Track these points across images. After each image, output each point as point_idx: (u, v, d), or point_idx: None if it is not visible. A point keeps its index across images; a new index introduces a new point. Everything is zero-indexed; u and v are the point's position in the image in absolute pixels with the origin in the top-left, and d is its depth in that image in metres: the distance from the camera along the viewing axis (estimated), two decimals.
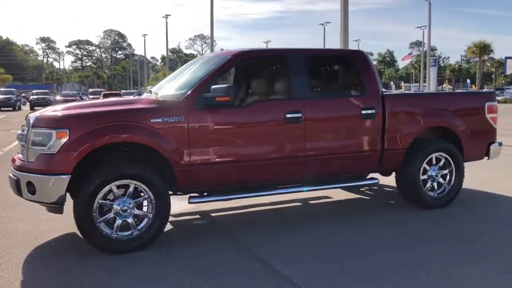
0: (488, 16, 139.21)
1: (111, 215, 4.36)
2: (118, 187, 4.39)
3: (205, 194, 4.96)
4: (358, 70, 5.49)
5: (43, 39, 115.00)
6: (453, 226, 5.15)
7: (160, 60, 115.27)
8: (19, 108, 36.95)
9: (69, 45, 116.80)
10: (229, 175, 4.81)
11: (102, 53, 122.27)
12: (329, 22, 59.85)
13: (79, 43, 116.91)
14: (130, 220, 4.41)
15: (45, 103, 32.80)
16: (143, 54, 74.08)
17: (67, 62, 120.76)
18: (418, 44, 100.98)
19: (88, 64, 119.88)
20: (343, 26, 16.76)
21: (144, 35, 63.83)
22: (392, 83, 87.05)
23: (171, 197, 4.96)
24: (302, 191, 5.32)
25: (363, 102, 5.37)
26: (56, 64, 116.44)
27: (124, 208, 4.37)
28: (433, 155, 5.78)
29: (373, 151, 5.42)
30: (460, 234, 4.86)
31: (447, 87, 56.60)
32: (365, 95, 5.41)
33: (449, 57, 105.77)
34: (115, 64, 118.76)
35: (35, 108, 30.33)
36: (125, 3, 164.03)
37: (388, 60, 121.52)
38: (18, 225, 5.26)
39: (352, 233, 4.94)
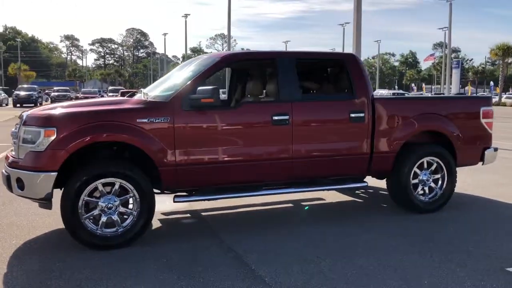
0: None
1: (97, 212, 4.49)
2: (105, 185, 4.52)
3: (193, 193, 5.05)
4: (348, 73, 5.51)
5: (67, 37, 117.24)
6: (437, 231, 5.13)
7: (181, 59, 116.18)
8: (41, 104, 37.70)
9: (92, 43, 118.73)
10: (214, 176, 4.90)
11: (124, 52, 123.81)
12: (348, 23, 59.28)
13: (102, 41, 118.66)
14: (115, 217, 4.54)
15: (65, 100, 33.54)
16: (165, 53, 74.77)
17: (90, 60, 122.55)
18: (441, 45, 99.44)
19: (110, 62, 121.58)
20: (356, 26, 16.70)
21: (164, 34, 64.57)
22: (413, 85, 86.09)
23: (163, 195, 5.10)
24: (288, 192, 5.38)
25: (352, 105, 5.39)
26: (79, 62, 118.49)
27: (109, 206, 4.50)
28: (424, 160, 5.77)
29: (362, 154, 5.44)
30: (443, 240, 4.84)
31: (469, 90, 55.69)
32: (355, 98, 5.43)
33: (472, 59, 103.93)
34: (137, 63, 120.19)
35: None
36: (149, 2, 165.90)
37: (411, 61, 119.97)
38: (14, 219, 5.44)
39: (335, 235, 4.97)
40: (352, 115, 5.34)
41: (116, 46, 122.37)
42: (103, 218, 4.50)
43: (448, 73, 43.63)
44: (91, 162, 4.55)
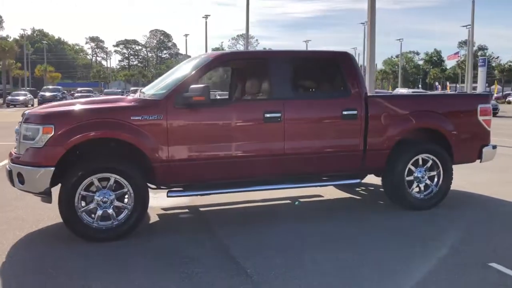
0: None
1: (92, 205, 4.69)
2: (102, 180, 4.72)
3: (185, 188, 5.20)
4: (342, 72, 5.59)
5: (92, 39, 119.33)
6: (428, 228, 5.18)
7: None
8: None
9: (117, 45, 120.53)
10: (208, 171, 5.05)
11: (148, 53, 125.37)
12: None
13: (126, 43, 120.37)
14: (110, 211, 4.73)
15: None
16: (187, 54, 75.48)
17: (115, 61, 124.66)
18: (466, 43, 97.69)
19: (134, 63, 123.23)
20: (370, 25, 16.67)
21: (186, 35, 65.52)
22: (437, 83, 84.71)
23: (161, 191, 5.28)
24: (281, 188, 5.50)
25: (345, 103, 5.47)
26: (104, 63, 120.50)
27: (104, 200, 4.70)
28: (420, 157, 5.80)
29: (355, 151, 5.51)
30: (431, 236, 4.88)
31: (495, 88, 54.57)
32: (348, 96, 5.51)
33: (498, 57, 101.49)
34: (160, 64, 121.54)
35: None
36: (173, 3, 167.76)
37: (436, 59, 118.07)
38: (20, 213, 5.71)
39: (326, 231, 5.06)
40: (345, 112, 5.42)
41: (140, 47, 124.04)
42: (99, 212, 4.70)
43: (471, 72, 42.85)
44: (88, 158, 4.76)
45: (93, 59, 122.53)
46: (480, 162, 6.22)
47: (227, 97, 6.41)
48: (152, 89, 5.42)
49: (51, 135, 4.53)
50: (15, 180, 4.71)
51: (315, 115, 5.41)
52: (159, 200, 6.10)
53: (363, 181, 7.08)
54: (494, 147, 6.24)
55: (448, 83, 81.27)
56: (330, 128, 5.45)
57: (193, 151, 4.95)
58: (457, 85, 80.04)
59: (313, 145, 5.37)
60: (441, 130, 5.83)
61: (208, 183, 5.20)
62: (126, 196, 4.83)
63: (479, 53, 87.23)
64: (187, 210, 6.03)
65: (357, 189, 7.10)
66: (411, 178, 5.80)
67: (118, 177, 4.70)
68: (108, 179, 4.71)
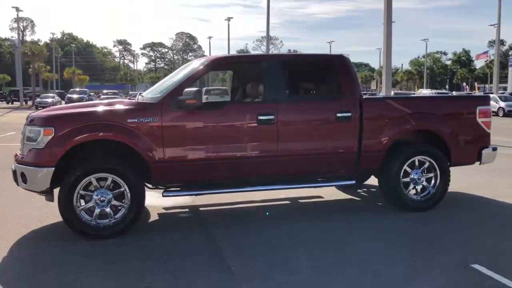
0: None
1: (91, 204, 4.91)
2: (100, 179, 4.94)
3: (180, 188, 5.37)
4: (337, 75, 5.67)
5: (120, 42, 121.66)
6: (420, 229, 5.22)
7: None
8: None
9: (144, 47, 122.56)
10: (202, 172, 5.21)
11: (174, 55, 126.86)
12: (393, 22, 58.05)
13: (152, 46, 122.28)
14: (108, 209, 4.94)
15: None
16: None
17: (141, 64, 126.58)
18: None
19: (161, 65, 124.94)
20: (386, 26, 16.58)
21: (209, 38, 65.87)
22: (464, 84, 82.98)
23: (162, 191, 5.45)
24: (275, 189, 5.61)
25: (339, 105, 5.54)
26: (131, 66, 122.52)
27: (101, 199, 4.91)
28: (416, 158, 5.82)
29: (349, 153, 5.58)
30: (421, 237, 4.93)
31: None
32: (342, 99, 5.58)
33: None
34: None
35: None
36: (199, 6, 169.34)
37: (464, 59, 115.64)
38: (28, 211, 5.98)
39: (318, 231, 5.14)
40: (339, 114, 5.50)
41: (166, 50, 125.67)
42: (97, 210, 4.91)
43: (497, 72, 41.88)
44: (87, 158, 4.98)
45: (121, 62, 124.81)
46: (480, 164, 6.19)
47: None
48: (151, 93, 5.62)
49: (52, 136, 4.76)
50: (19, 180, 4.97)
51: (309, 117, 5.50)
52: (161, 200, 6.27)
53: (365, 182, 7.21)
54: (495, 149, 6.20)
55: (476, 83, 79.56)
56: (324, 130, 5.53)
57: (188, 153, 5.12)
58: (486, 86, 78.23)
59: (307, 146, 5.46)
60: (438, 132, 5.84)
61: (204, 183, 5.35)
62: (124, 195, 5.02)
63: (510, 52, 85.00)
64: (187, 210, 6.20)
65: (359, 190, 7.14)
66: (407, 179, 5.83)
67: (115, 177, 4.90)
68: (106, 179, 4.92)
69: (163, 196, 5.26)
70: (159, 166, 5.03)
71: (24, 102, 46.90)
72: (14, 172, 5.03)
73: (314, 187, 6.04)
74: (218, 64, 5.67)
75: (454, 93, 45.54)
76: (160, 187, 5.43)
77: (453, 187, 6.21)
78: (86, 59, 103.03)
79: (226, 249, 4.58)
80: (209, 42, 67.13)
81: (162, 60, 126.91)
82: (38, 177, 4.81)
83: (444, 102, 6.30)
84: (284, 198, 6.65)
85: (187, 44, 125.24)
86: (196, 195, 5.48)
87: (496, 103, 29.41)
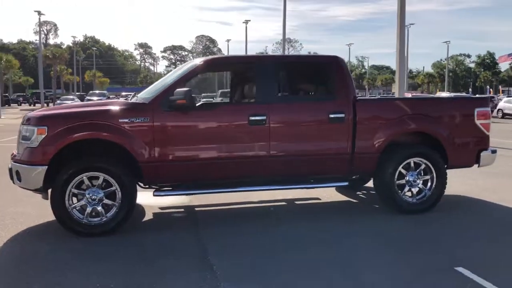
0: None
1: (83, 202, 5.00)
2: (92, 178, 5.02)
3: (172, 188, 5.42)
4: (330, 76, 5.66)
5: (141, 45, 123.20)
6: (411, 232, 5.17)
7: None
8: None
9: (164, 51, 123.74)
10: (193, 172, 5.25)
11: (194, 58, 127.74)
12: (413, 24, 57.28)
13: (173, 49, 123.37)
14: (99, 208, 5.02)
15: None
16: None
17: (162, 66, 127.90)
18: None
19: None
20: (400, 28, 16.41)
21: (228, 40, 66.16)
22: (488, 86, 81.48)
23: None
24: (267, 189, 5.62)
25: (332, 106, 5.52)
26: (152, 68, 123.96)
27: (93, 197, 4.99)
28: (411, 160, 5.76)
29: (342, 154, 5.55)
30: (411, 240, 4.89)
31: None
32: (335, 100, 5.56)
33: None
34: None
35: None
36: (219, 9, 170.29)
37: (488, 62, 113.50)
38: (27, 209, 6.11)
39: (308, 233, 5.13)
40: (332, 116, 5.48)
41: (186, 53, 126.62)
42: (89, 209, 5.00)
43: None
44: (78, 157, 5.07)
45: (141, 65, 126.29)
46: (478, 166, 6.09)
47: (212, 100, 6.62)
48: (145, 93, 5.69)
49: (45, 135, 4.87)
50: (14, 178, 5.09)
51: (301, 118, 5.49)
52: (158, 200, 6.34)
53: (365, 185, 7.15)
54: (494, 151, 6.09)
55: (500, 86, 78.09)
56: (317, 131, 5.52)
57: (179, 153, 5.16)
58: (511, 89, 76.73)
59: (299, 147, 5.45)
60: (434, 134, 5.77)
61: (197, 183, 5.39)
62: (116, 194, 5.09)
63: None
64: (182, 210, 6.25)
65: (358, 192, 7.10)
66: (402, 181, 5.77)
67: (106, 176, 4.98)
68: (97, 178, 5.00)
69: (154, 195, 5.33)
70: (150, 166, 5.09)
71: (45, 104, 47.84)
72: (10, 170, 5.16)
73: (308, 188, 6.00)
74: (212, 65, 5.72)
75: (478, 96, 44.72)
76: (153, 186, 5.49)
77: (453, 190, 6.13)
78: (108, 62, 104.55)
79: (211, 249, 4.59)
80: (228, 44, 67.56)
81: (183, 62, 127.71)
82: (31, 175, 4.92)
83: (441, 104, 6.21)
84: (281, 200, 6.65)
85: (207, 47, 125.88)
86: (187, 194, 5.53)
87: None
